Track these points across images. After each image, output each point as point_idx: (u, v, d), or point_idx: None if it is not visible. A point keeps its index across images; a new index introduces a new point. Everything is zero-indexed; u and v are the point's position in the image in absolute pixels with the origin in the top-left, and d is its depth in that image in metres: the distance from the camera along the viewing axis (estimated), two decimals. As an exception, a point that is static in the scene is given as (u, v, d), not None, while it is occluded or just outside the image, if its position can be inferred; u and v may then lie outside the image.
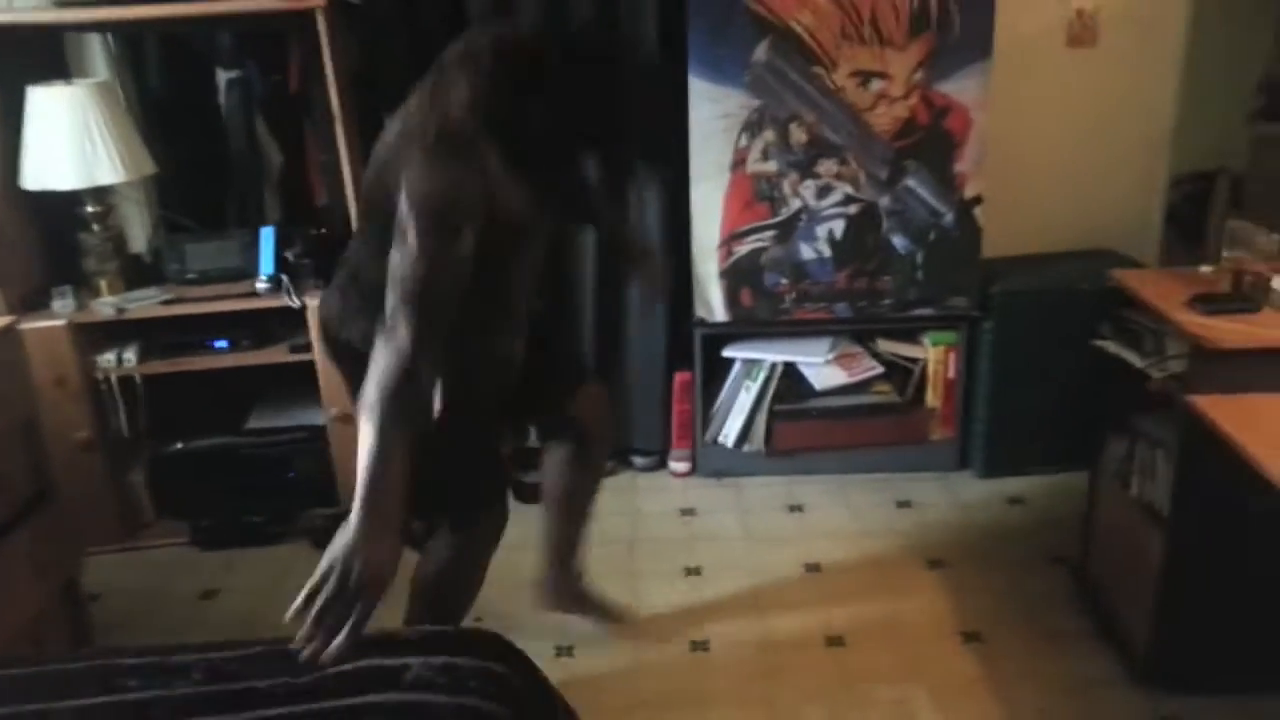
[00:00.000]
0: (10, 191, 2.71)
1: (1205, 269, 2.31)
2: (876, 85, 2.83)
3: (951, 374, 3.15)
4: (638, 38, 2.87)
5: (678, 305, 3.13)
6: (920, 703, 2.26)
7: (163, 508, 3.02)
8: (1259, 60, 3.83)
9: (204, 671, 1.37)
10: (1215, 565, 2.12)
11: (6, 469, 2.06)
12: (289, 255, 2.90)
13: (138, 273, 2.92)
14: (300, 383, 2.92)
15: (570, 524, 2.40)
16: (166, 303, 2.82)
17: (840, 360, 3.17)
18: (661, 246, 2.96)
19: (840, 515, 3.05)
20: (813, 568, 2.79)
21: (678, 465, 3.29)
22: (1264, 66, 3.82)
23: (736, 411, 3.17)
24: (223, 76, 3.02)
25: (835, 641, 2.48)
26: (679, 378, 3.20)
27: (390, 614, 2.55)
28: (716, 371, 3.20)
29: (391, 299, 1.61)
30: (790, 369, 3.17)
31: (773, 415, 3.16)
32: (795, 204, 2.93)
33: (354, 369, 1.84)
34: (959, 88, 2.84)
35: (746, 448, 3.19)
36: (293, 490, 3.01)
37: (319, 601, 1.46)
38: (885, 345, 3.23)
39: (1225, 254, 2.24)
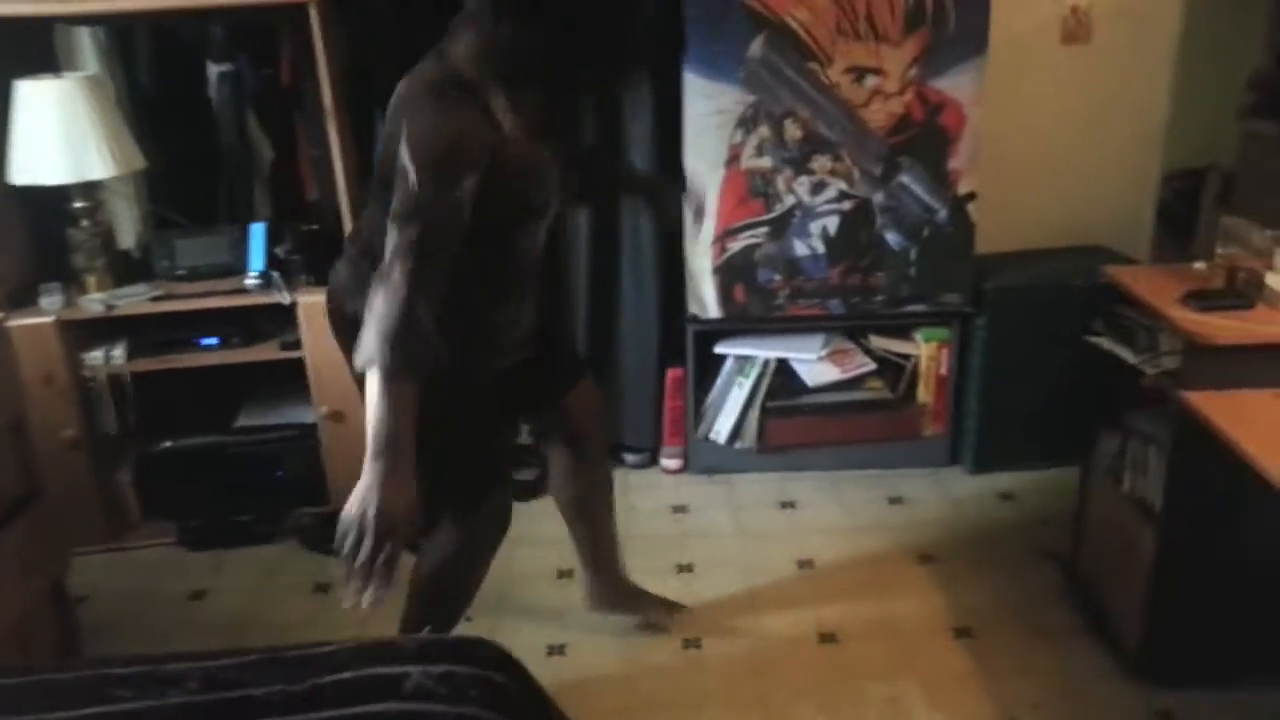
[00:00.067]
0: (-3, 186, 2.68)
1: (1198, 265, 2.31)
2: (871, 81, 2.82)
3: (943, 370, 3.15)
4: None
5: (670, 302, 3.12)
6: (913, 699, 2.27)
7: (150, 507, 2.99)
8: (1249, 57, 3.84)
9: (198, 680, 1.35)
10: (1207, 560, 2.13)
11: (-5, 469, 2.04)
12: (279, 251, 2.88)
13: (127, 269, 2.89)
14: (290, 380, 2.91)
15: (592, 527, 2.39)
16: (156, 299, 2.79)
17: (833, 357, 3.17)
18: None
19: (832, 511, 3.05)
20: (805, 564, 2.79)
21: (669, 462, 3.28)
22: (1254, 64, 3.84)
23: (729, 408, 3.17)
24: (213, 70, 2.98)
25: (828, 638, 2.48)
26: (671, 374, 3.19)
27: (388, 615, 2.57)
28: (709, 368, 3.19)
29: (389, 244, 1.61)
30: (783, 365, 3.17)
31: (765, 412, 3.16)
32: (789, 200, 2.92)
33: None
34: (954, 84, 2.83)
35: (738, 444, 3.19)
36: (282, 489, 2.99)
37: (346, 546, 1.54)
38: (878, 341, 3.22)
39: (1219, 250, 2.24)
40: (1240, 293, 2.14)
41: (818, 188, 2.92)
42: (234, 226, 2.95)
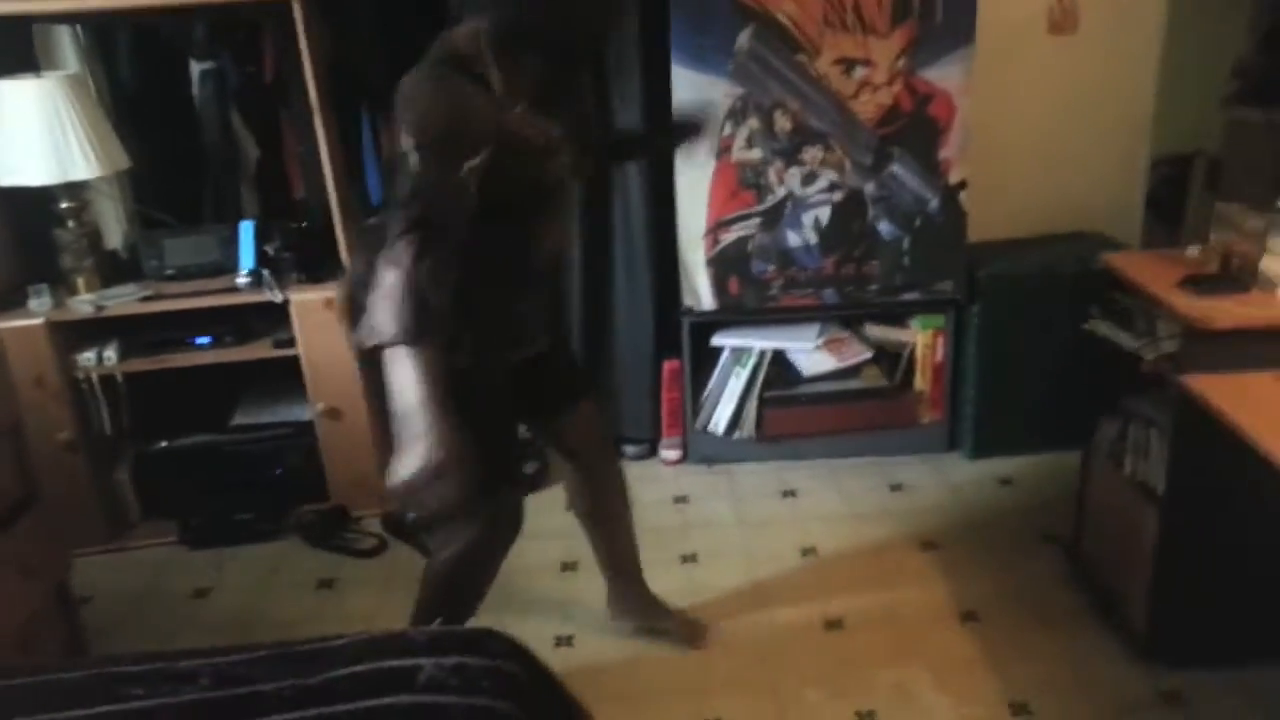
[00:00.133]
0: (-20, 188, 2.65)
1: (1192, 250, 2.32)
2: (860, 72, 2.82)
3: (939, 357, 3.16)
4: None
5: (665, 294, 3.12)
6: (920, 684, 2.27)
7: (149, 507, 2.98)
8: (1234, 45, 3.87)
9: (210, 676, 1.34)
10: (1210, 541, 2.14)
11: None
12: (269, 249, 2.86)
13: (115, 269, 2.87)
14: (285, 378, 2.89)
15: (608, 537, 2.37)
16: (146, 299, 2.77)
17: (829, 346, 3.17)
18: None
19: (833, 499, 3.06)
20: (808, 552, 2.79)
21: (668, 453, 3.28)
22: (1238, 51, 3.86)
23: (726, 399, 3.17)
24: (196, 68, 2.96)
25: (834, 625, 2.49)
26: (668, 366, 3.18)
27: (395, 609, 2.55)
28: (705, 359, 3.19)
29: (394, 225, 1.60)
30: (779, 355, 3.17)
31: (763, 402, 3.16)
32: (781, 191, 2.92)
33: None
34: (942, 74, 2.84)
35: (737, 435, 3.19)
36: (282, 486, 2.98)
37: (407, 484, 1.52)
38: (873, 330, 3.23)
39: (1213, 235, 2.25)
40: (1235, 277, 2.15)
41: (809, 179, 2.91)
42: (222, 225, 2.93)
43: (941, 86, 2.86)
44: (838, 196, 2.94)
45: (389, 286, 1.57)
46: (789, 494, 3.10)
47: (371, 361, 1.77)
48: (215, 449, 2.96)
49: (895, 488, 3.11)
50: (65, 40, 2.87)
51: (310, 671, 1.35)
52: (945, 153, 2.92)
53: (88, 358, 2.76)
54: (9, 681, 1.37)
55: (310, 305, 2.79)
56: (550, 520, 2.69)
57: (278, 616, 2.62)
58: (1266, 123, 3.66)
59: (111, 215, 3.00)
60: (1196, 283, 2.13)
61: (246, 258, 2.83)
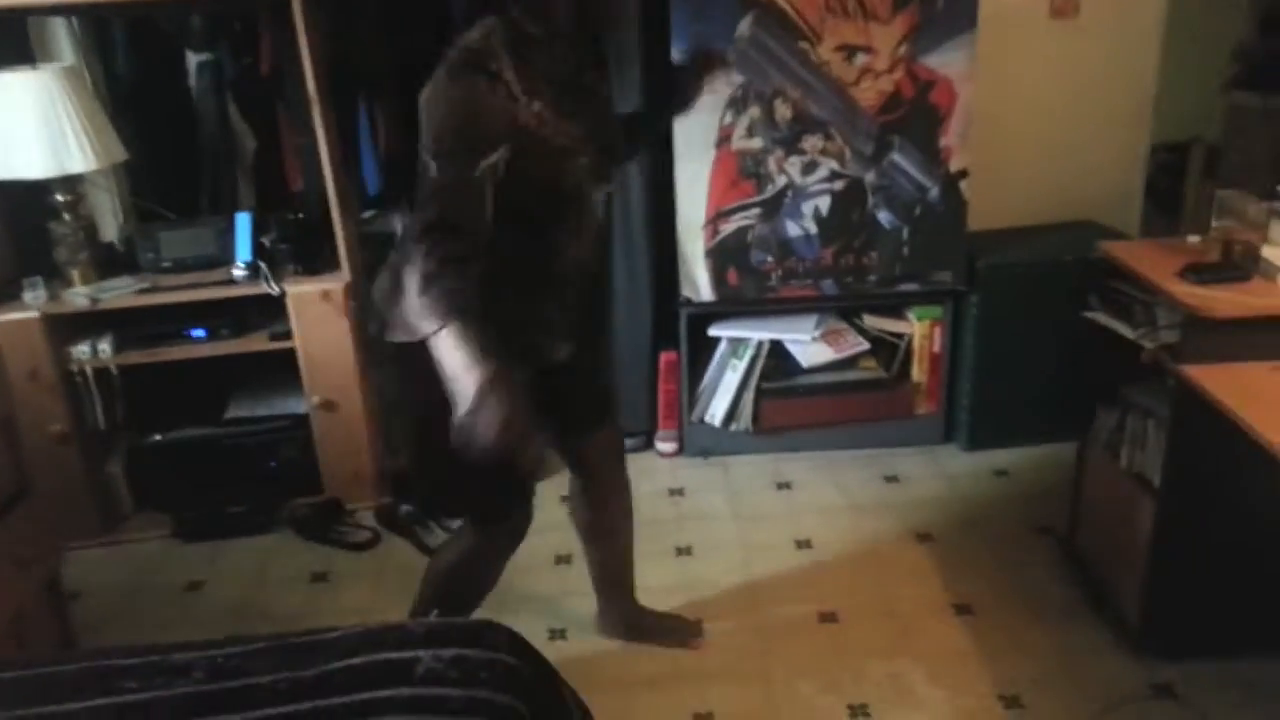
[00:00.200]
0: (-24, 181, 2.64)
1: (1193, 239, 2.31)
2: (861, 59, 2.81)
3: (937, 349, 3.15)
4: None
5: (663, 285, 3.11)
6: (914, 676, 2.27)
7: (142, 500, 2.97)
8: (1233, 31, 3.86)
9: (204, 669, 1.33)
10: (1206, 533, 2.13)
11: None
12: (266, 241, 2.85)
13: (110, 262, 2.86)
14: (281, 371, 2.88)
15: (604, 553, 2.36)
16: (141, 292, 2.76)
17: (827, 337, 3.16)
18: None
19: (828, 491, 3.05)
20: (803, 544, 2.79)
21: (664, 445, 3.27)
22: (1238, 37, 3.86)
23: (723, 390, 3.16)
24: (193, 60, 2.95)
25: (828, 617, 2.48)
26: (665, 358, 3.18)
27: (390, 602, 2.55)
28: (702, 351, 3.18)
29: (415, 227, 1.62)
30: (776, 347, 3.16)
31: (760, 393, 3.15)
32: (781, 181, 2.91)
33: (395, 348, 1.83)
34: (944, 61, 2.82)
35: (733, 426, 3.18)
36: (276, 480, 2.97)
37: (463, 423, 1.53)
38: (871, 321, 3.22)
39: (1214, 224, 2.24)
40: (1237, 265, 2.14)
41: (809, 168, 2.90)
42: (218, 217, 2.92)
43: (943, 73, 2.84)
44: (838, 186, 2.93)
45: (413, 289, 1.59)
46: (784, 486, 3.09)
47: (391, 356, 1.82)
48: (209, 442, 2.95)
49: (891, 479, 3.10)
50: (61, 32, 2.86)
51: (306, 664, 1.34)
52: (946, 140, 2.91)
53: (82, 350, 2.76)
54: (1, 675, 1.36)
55: (307, 298, 2.78)
56: (544, 514, 2.64)
57: (271, 610, 2.61)
58: (1265, 108, 3.67)
59: (107, 208, 2.99)
60: (1197, 271, 2.11)
61: (243, 250, 2.82)
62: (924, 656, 2.33)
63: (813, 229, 2.96)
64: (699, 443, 3.24)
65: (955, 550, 2.73)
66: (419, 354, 1.76)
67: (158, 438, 2.94)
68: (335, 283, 2.81)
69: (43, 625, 2.25)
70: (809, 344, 3.14)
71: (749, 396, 3.15)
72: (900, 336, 3.19)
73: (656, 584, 2.57)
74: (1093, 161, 3.29)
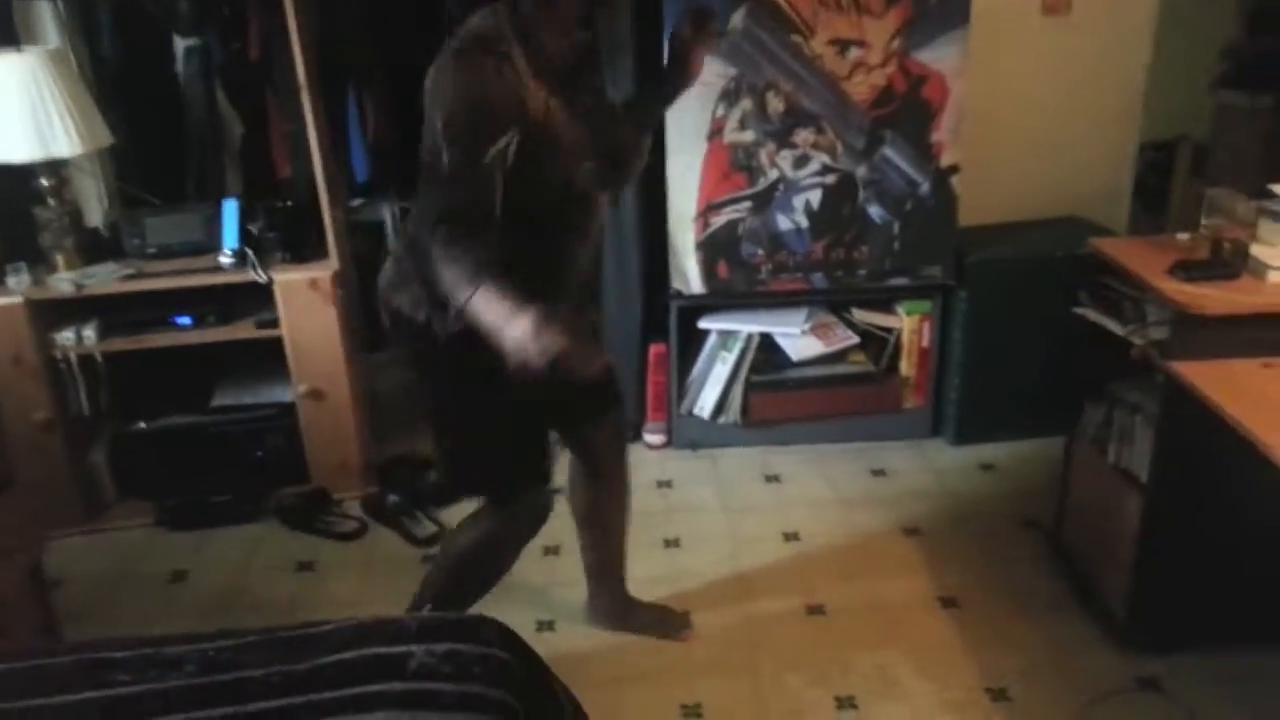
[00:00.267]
0: (-41, 164, 2.60)
1: (1182, 236, 2.32)
2: (854, 53, 2.80)
3: (925, 343, 3.16)
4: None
5: (653, 278, 3.10)
6: (901, 669, 2.28)
7: (126, 489, 2.95)
8: (1222, 29, 3.88)
9: (196, 663, 1.32)
10: (1192, 528, 2.15)
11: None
12: (253, 229, 2.83)
13: (96, 248, 2.83)
14: (268, 359, 2.86)
15: (599, 539, 2.36)
16: (127, 278, 2.73)
17: (816, 331, 3.17)
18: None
19: (817, 484, 3.06)
20: (791, 537, 2.79)
21: (653, 437, 3.27)
22: (1226, 36, 3.88)
23: (712, 383, 3.16)
24: (180, 44, 2.92)
25: (816, 610, 2.49)
26: (654, 350, 3.17)
27: (377, 593, 2.54)
28: (692, 343, 3.18)
29: (427, 216, 1.64)
30: (766, 340, 3.16)
31: (749, 386, 3.15)
32: (773, 174, 2.91)
33: (404, 337, 1.85)
34: (936, 56, 2.82)
35: (722, 419, 3.18)
36: (262, 469, 2.95)
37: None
38: (860, 315, 3.23)
39: (1204, 221, 2.25)
40: (1226, 263, 2.14)
41: (801, 161, 2.90)
42: (205, 204, 2.89)
43: (935, 68, 2.84)
44: (829, 180, 2.93)
45: (443, 273, 1.63)
46: (773, 479, 3.10)
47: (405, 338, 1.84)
48: (194, 430, 2.93)
49: (878, 473, 3.11)
50: (46, 15, 2.82)
51: (298, 658, 1.33)
52: (938, 135, 2.91)
53: (66, 337, 2.73)
54: (-11, 667, 1.35)
55: (294, 285, 2.76)
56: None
57: (256, 600, 2.60)
58: (1252, 107, 3.69)
59: (92, 193, 2.96)
60: (1187, 269, 2.12)
61: (230, 237, 2.80)
62: (911, 649, 2.34)
63: (803, 223, 2.96)
64: (688, 435, 3.24)
65: (942, 544, 2.74)
66: (431, 338, 1.76)
67: (142, 425, 2.92)
68: (323, 271, 2.79)
69: (25, 614, 2.22)
70: (798, 337, 3.14)
71: (738, 389, 3.15)
72: (889, 331, 3.19)
73: (644, 575, 2.57)
74: (1083, 158, 3.30)
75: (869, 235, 2.99)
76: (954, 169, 2.95)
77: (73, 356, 2.75)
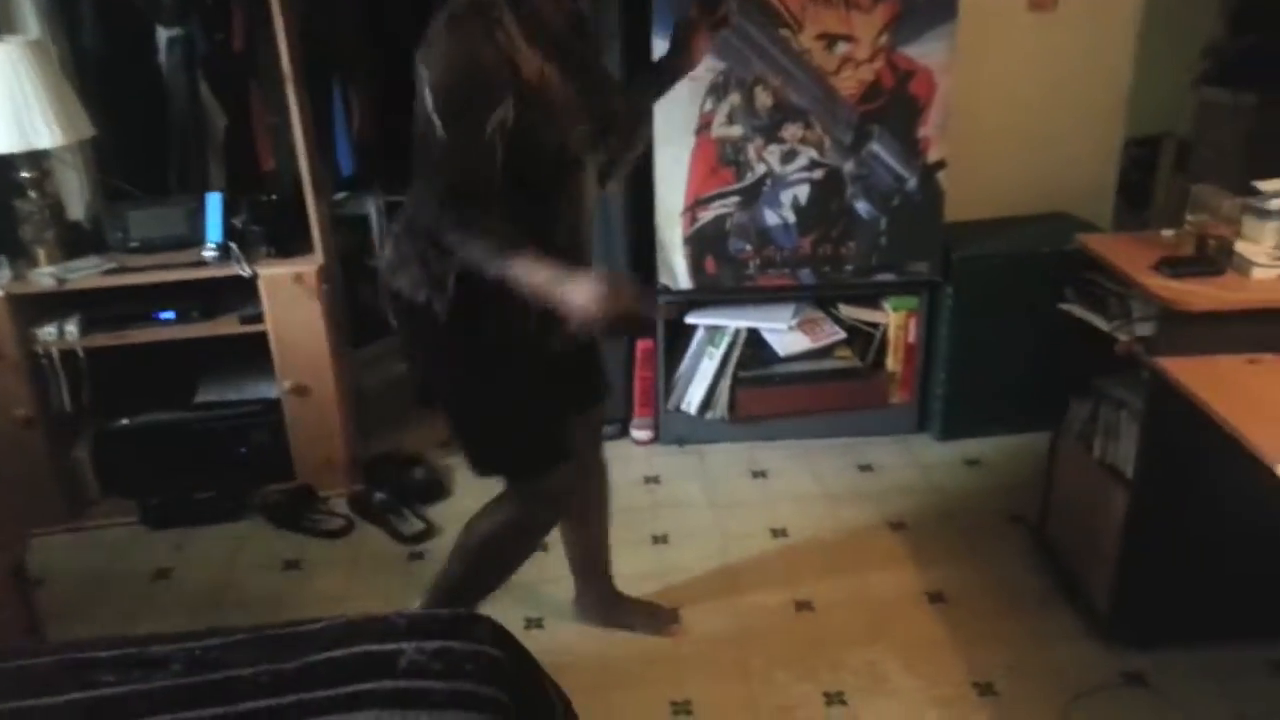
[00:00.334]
0: (-62, 156, 2.57)
1: (1167, 232, 2.33)
2: (842, 48, 2.80)
3: (911, 339, 3.17)
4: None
5: (640, 273, 3.09)
6: (889, 665, 2.29)
7: (109, 486, 2.91)
8: (1205, 26, 3.90)
9: (182, 662, 1.31)
10: (1177, 523, 2.16)
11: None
12: (237, 222, 2.80)
13: (77, 241, 2.79)
14: (252, 354, 2.84)
15: (584, 536, 2.35)
16: (109, 272, 2.70)
17: (803, 326, 3.16)
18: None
19: (804, 480, 3.06)
20: (779, 533, 2.79)
21: (640, 433, 3.26)
22: (1210, 32, 3.90)
23: (699, 379, 3.15)
24: (163, 34, 2.88)
25: (804, 606, 2.49)
26: (641, 345, 3.16)
27: (361, 591, 2.53)
28: (679, 339, 3.17)
29: (428, 202, 1.65)
30: (753, 335, 3.16)
31: (736, 382, 3.15)
32: (760, 169, 2.90)
33: (406, 319, 1.84)
34: (924, 51, 2.82)
35: (709, 415, 3.18)
36: (246, 465, 2.93)
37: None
38: (847, 310, 3.23)
39: (1189, 217, 2.26)
40: (1211, 259, 2.15)
41: (788, 156, 2.90)
42: (189, 197, 2.86)
43: (923, 63, 2.84)
44: (817, 175, 2.92)
45: (465, 251, 1.64)
46: (760, 474, 3.10)
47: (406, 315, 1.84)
48: (178, 427, 2.90)
49: (865, 468, 3.12)
50: (26, 4, 2.78)
51: (287, 656, 1.32)
52: (925, 131, 2.91)
53: (48, 332, 2.70)
54: (-29, 668, 1.33)
55: (279, 280, 2.74)
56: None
57: (242, 599, 2.58)
58: (1234, 104, 3.71)
59: (74, 186, 2.92)
60: (1172, 265, 2.13)
61: (214, 231, 2.77)
62: (898, 645, 2.35)
63: (791, 218, 2.96)
64: (675, 431, 3.24)
65: (928, 539, 2.75)
66: (431, 318, 1.74)
67: (125, 422, 2.89)
68: (308, 265, 2.77)
69: (8, 614, 2.19)
70: (785, 333, 3.14)
71: (725, 385, 3.15)
72: (876, 326, 3.20)
73: (632, 571, 2.57)
74: (1068, 154, 3.31)
75: (856, 231, 2.99)
76: (940, 164, 2.95)
77: (54, 352, 2.71)
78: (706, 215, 2.94)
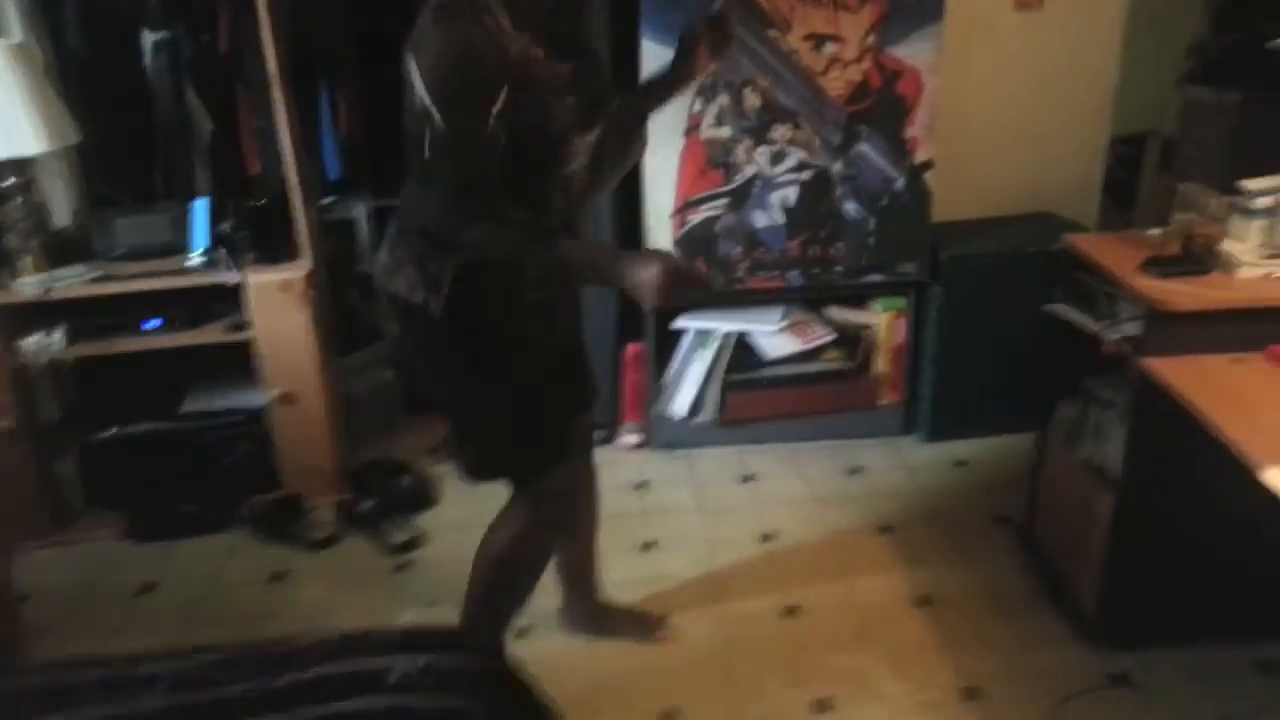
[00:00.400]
0: (-80, 164, 2.54)
1: (1154, 232, 2.33)
2: (830, 48, 2.79)
3: (899, 340, 3.17)
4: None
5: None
6: (877, 670, 2.28)
7: (94, 498, 2.89)
8: (1190, 24, 3.91)
9: (170, 681, 1.30)
10: (1164, 524, 2.17)
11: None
12: (224, 228, 2.78)
13: (63, 249, 2.77)
14: (238, 363, 2.82)
15: (569, 545, 2.32)
16: (95, 281, 2.68)
17: (792, 328, 3.16)
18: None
19: (792, 484, 3.06)
20: (767, 538, 2.79)
21: (629, 438, 3.26)
22: (1194, 31, 3.91)
23: (689, 383, 3.15)
24: (148, 38, 2.86)
25: (792, 612, 2.49)
26: (630, 349, 3.16)
27: (349, 604, 2.51)
28: (667, 343, 3.17)
29: (432, 197, 1.64)
30: (741, 339, 3.16)
31: (725, 385, 3.14)
32: (749, 170, 2.90)
33: (404, 322, 1.82)
34: (911, 51, 2.82)
35: (698, 419, 3.18)
36: (232, 476, 2.90)
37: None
38: (835, 312, 3.23)
39: (1175, 216, 2.27)
40: (1197, 259, 2.15)
41: (777, 157, 2.89)
42: (174, 203, 2.84)
43: (910, 64, 2.84)
44: (805, 176, 2.92)
45: (492, 248, 1.65)
46: (749, 479, 3.09)
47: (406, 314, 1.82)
48: (164, 437, 2.88)
49: (854, 471, 3.12)
50: (9, 7, 2.76)
51: (276, 673, 1.31)
52: (912, 131, 2.91)
53: (33, 342, 2.67)
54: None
55: (267, 287, 2.72)
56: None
57: (228, 611, 2.56)
58: (1219, 103, 3.72)
59: (59, 192, 2.90)
60: (1159, 264, 2.13)
61: (200, 237, 2.75)
62: (886, 650, 2.35)
63: (780, 219, 2.96)
64: (664, 435, 3.23)
65: (916, 542, 2.75)
66: (428, 319, 1.74)
67: (111, 432, 2.86)
68: (295, 271, 2.75)
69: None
70: (774, 335, 3.14)
71: (714, 388, 3.14)
72: (864, 328, 3.20)
73: (620, 578, 2.56)
74: (1054, 153, 3.32)
75: (845, 232, 2.99)
76: (928, 165, 2.95)
77: (40, 362, 2.69)
78: (696, 217, 2.94)
